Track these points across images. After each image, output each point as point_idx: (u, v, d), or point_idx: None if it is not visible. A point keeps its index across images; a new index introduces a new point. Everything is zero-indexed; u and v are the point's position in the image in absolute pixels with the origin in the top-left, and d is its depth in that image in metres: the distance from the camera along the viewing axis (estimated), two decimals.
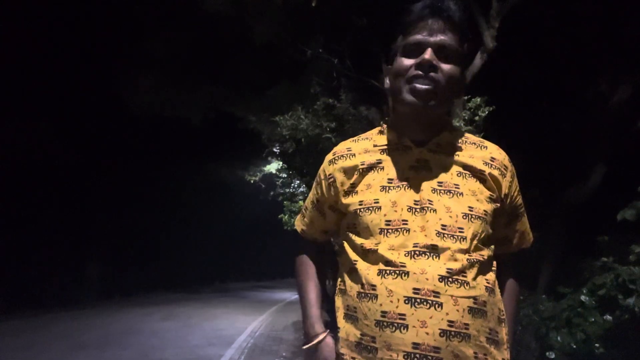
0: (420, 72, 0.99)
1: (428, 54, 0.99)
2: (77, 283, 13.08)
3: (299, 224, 1.26)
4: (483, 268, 0.98)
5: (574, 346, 3.43)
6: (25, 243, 11.58)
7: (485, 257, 0.99)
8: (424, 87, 0.98)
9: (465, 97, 4.47)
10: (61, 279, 12.22)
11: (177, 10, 7.21)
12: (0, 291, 9.77)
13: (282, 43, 6.02)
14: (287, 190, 10.47)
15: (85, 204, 13.54)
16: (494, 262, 1.04)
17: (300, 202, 9.42)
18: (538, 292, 4.57)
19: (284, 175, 10.53)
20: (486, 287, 0.96)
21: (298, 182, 9.89)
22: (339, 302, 1.07)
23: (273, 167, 11.85)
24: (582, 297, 3.61)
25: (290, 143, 5.81)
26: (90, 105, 12.06)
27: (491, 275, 1.00)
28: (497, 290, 1.02)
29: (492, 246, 1.03)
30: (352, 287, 1.01)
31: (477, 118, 4.36)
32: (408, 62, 1.02)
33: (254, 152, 11.10)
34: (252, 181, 14.00)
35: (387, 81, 1.11)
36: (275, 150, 7.38)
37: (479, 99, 4.38)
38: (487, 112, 4.34)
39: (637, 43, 4.37)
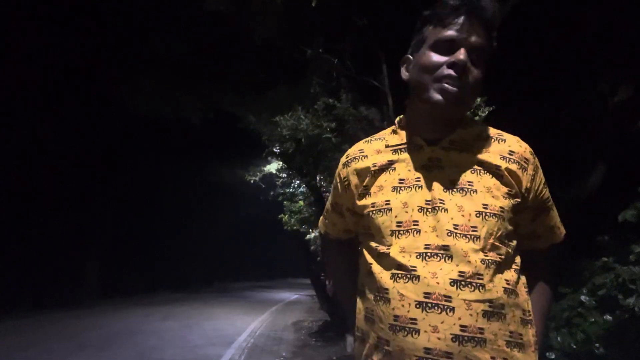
0: (452, 73, 0.96)
1: (463, 55, 0.96)
2: (77, 283, 13.07)
3: (321, 226, 1.28)
4: (501, 268, 0.94)
5: (574, 346, 3.42)
6: (26, 243, 11.57)
7: (504, 257, 0.95)
8: (454, 89, 0.95)
9: None
10: (61, 279, 12.20)
11: (177, 10, 7.20)
12: (0, 291, 9.76)
13: (282, 43, 6.02)
14: (287, 190, 10.47)
15: (85, 204, 13.53)
16: (518, 261, 1.00)
17: (300, 202, 9.42)
18: None
19: (284, 175, 10.54)
20: (505, 288, 0.93)
21: (298, 182, 9.89)
22: (359, 303, 1.06)
23: (273, 167, 11.85)
24: (582, 297, 3.61)
25: (290, 143, 5.81)
26: (90, 105, 12.05)
27: (512, 275, 0.96)
28: (522, 290, 0.98)
29: (513, 244, 0.99)
30: (370, 290, 1.00)
31: (477, 118, 4.35)
32: (439, 58, 0.98)
33: (254, 152, 11.08)
34: (252, 181, 13.99)
35: (404, 72, 1.08)
36: (275, 150, 7.37)
37: (479, 99, 4.37)
38: (487, 112, 4.34)
39: (637, 43, 4.37)
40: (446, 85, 0.96)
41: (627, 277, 3.25)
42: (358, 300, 1.07)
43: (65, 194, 12.81)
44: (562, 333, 3.54)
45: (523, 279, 1.00)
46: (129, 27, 8.26)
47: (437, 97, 0.97)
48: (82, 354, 5.67)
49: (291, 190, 10.39)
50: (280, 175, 10.97)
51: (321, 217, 1.30)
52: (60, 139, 11.95)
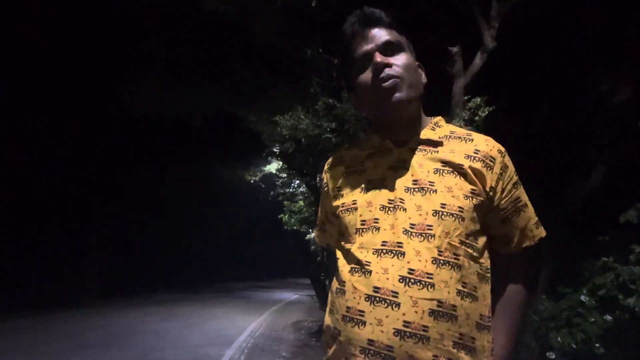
0: (379, 76, 1.03)
1: (377, 57, 1.03)
2: (77, 283, 13.07)
3: (322, 239, 1.29)
4: (457, 270, 0.94)
5: (574, 346, 3.42)
6: (25, 243, 11.57)
7: (461, 258, 0.95)
8: (387, 83, 1.02)
9: (465, 97, 4.47)
10: (61, 279, 12.20)
11: (177, 10, 7.20)
12: (0, 291, 9.76)
13: (282, 43, 6.02)
14: (287, 190, 10.47)
15: (85, 204, 13.53)
16: (485, 265, 1.00)
17: (300, 202, 9.41)
18: (538, 292, 4.57)
19: (284, 175, 10.53)
20: (459, 290, 0.92)
21: (298, 182, 9.89)
22: (329, 298, 1.12)
23: (273, 167, 11.85)
24: (582, 297, 3.61)
25: (290, 143, 5.81)
26: (90, 104, 12.06)
27: (472, 279, 0.95)
28: (485, 295, 0.98)
29: (478, 246, 0.99)
30: (334, 284, 1.06)
31: (477, 118, 4.35)
32: (366, 75, 1.06)
33: (254, 152, 11.11)
34: (252, 181, 14.01)
35: (354, 103, 1.17)
36: (275, 150, 7.38)
37: (479, 99, 4.37)
38: (487, 112, 4.34)
39: (637, 43, 4.37)
40: (383, 85, 1.02)
41: (627, 277, 3.25)
42: (329, 295, 1.12)
43: (65, 194, 12.81)
44: (562, 333, 3.54)
45: (489, 285, 1.00)
46: (129, 27, 8.25)
47: (382, 101, 1.04)
48: (82, 354, 5.67)
49: (291, 190, 10.38)
50: (280, 175, 10.97)
51: (316, 231, 1.32)
52: (60, 138, 11.95)
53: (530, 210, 1.09)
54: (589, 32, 4.73)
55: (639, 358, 3.18)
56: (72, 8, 10.00)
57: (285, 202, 9.66)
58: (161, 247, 17.24)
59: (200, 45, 7.35)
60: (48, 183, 12.17)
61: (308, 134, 5.33)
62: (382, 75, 1.02)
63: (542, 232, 1.10)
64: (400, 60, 1.04)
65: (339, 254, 1.08)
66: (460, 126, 4.07)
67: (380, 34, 1.06)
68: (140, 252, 15.72)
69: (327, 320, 1.06)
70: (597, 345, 3.34)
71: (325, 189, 1.19)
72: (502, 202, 1.04)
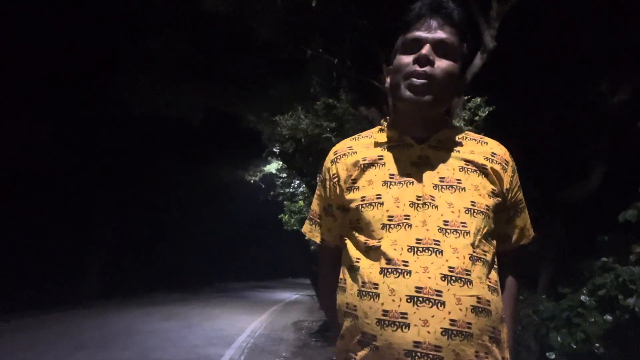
0: (417, 68, 1.00)
1: (425, 49, 1.00)
2: (77, 283, 13.06)
3: (315, 234, 1.21)
4: (486, 266, 0.97)
5: (574, 346, 3.43)
6: (25, 243, 11.57)
7: (489, 255, 0.98)
8: (419, 81, 0.99)
9: (465, 97, 4.47)
10: (61, 279, 12.20)
11: (177, 10, 7.20)
12: (1, 291, 9.76)
13: (282, 43, 6.01)
14: (287, 190, 10.48)
15: (85, 203, 13.53)
16: (496, 261, 1.03)
17: (300, 202, 9.42)
18: (538, 292, 4.57)
19: (284, 175, 10.56)
20: (489, 285, 0.95)
21: (298, 182, 9.90)
22: (339, 299, 1.06)
23: (273, 167, 11.87)
24: (582, 297, 3.61)
25: (290, 143, 5.81)
26: (90, 104, 12.05)
27: (494, 274, 0.99)
28: (499, 289, 1.01)
29: (495, 243, 1.02)
30: (353, 285, 1.01)
31: (477, 118, 4.35)
32: (407, 58, 1.03)
33: (254, 152, 11.11)
34: (252, 181, 14.00)
35: (387, 80, 1.11)
36: (275, 150, 7.39)
37: (479, 99, 4.37)
38: (487, 112, 4.34)
39: (637, 43, 4.37)
40: (413, 79, 1.00)
41: (627, 277, 3.25)
42: (338, 295, 1.07)
43: (65, 194, 12.82)
44: (562, 333, 3.54)
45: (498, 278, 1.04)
46: (129, 27, 8.25)
47: (407, 93, 1.01)
48: (82, 354, 5.67)
49: (291, 190, 10.39)
50: (280, 175, 10.99)
51: (310, 226, 1.23)
52: (60, 138, 11.95)
53: (527, 211, 1.15)
54: (589, 32, 4.73)
55: (639, 358, 3.18)
56: (72, 8, 10.00)
57: (285, 202, 9.67)
58: (161, 247, 17.25)
59: (200, 45, 7.34)
60: (48, 183, 12.18)
61: (308, 133, 5.34)
62: (419, 69, 1.00)
63: (533, 232, 1.17)
64: (444, 65, 1.01)
65: (354, 251, 1.03)
66: (461, 127, 4.07)
67: (440, 30, 1.02)
68: (140, 252, 15.72)
69: (347, 325, 1.01)
70: (597, 345, 3.35)
71: (335, 180, 1.11)
72: (510, 203, 1.08)
